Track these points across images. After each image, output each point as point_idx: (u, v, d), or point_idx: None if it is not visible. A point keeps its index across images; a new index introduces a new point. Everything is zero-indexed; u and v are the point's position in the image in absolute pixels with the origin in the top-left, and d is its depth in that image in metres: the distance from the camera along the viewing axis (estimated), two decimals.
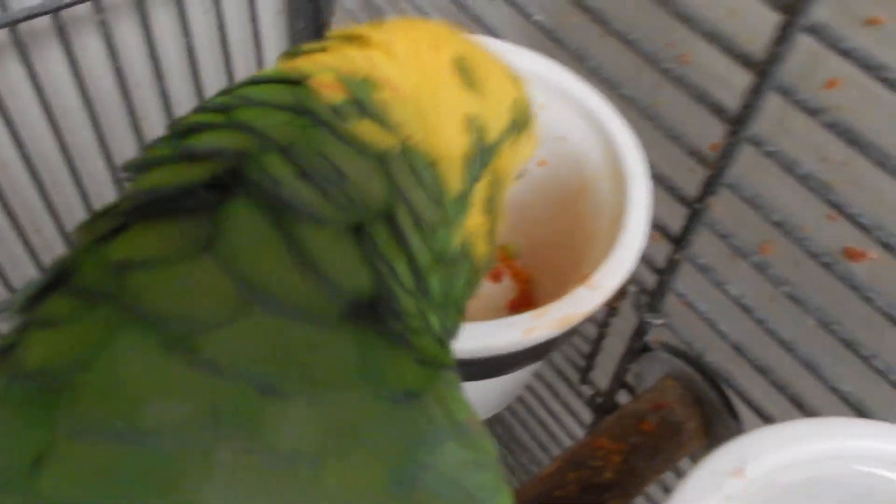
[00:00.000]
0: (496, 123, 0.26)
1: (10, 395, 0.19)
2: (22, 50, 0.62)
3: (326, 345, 0.20)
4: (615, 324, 0.59)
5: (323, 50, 0.24)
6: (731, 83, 0.50)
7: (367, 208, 0.22)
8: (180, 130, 0.22)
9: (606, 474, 0.49)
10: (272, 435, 0.19)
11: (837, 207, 0.35)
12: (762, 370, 0.46)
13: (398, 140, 0.23)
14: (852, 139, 0.32)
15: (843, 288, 0.39)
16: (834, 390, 0.41)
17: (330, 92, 0.22)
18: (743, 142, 0.36)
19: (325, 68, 0.23)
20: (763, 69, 0.33)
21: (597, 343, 0.61)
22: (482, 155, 0.25)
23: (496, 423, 0.86)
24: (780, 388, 0.45)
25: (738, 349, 0.46)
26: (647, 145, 0.48)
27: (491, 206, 0.27)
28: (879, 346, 0.41)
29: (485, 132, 0.25)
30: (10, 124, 0.64)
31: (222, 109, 0.22)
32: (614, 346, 0.60)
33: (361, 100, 0.23)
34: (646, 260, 0.50)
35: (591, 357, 0.62)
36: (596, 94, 0.45)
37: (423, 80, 0.24)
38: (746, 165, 0.54)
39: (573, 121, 0.46)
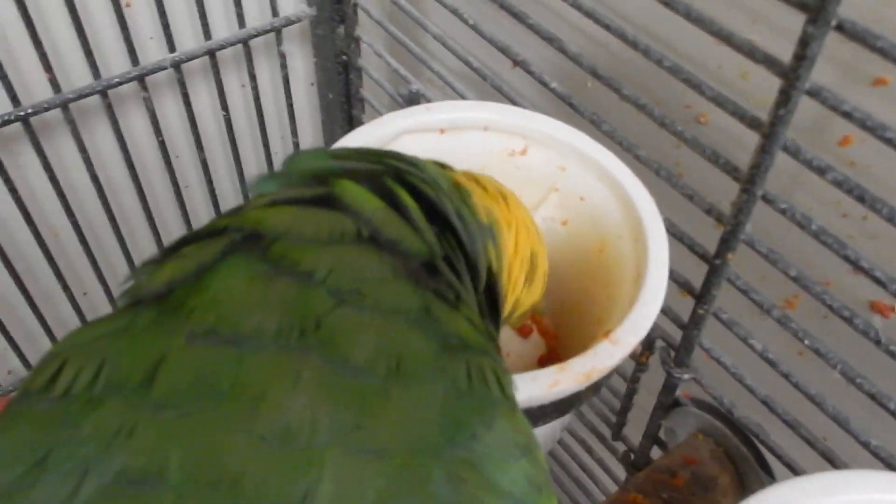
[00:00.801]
0: (521, 310, 0.36)
1: (137, 313, 0.21)
2: (73, 126, 0.66)
3: (398, 283, 0.23)
4: (647, 379, 0.59)
5: (476, 182, 0.33)
6: (747, 141, 0.51)
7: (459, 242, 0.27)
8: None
9: None
10: (347, 349, 0.20)
11: (851, 262, 0.35)
12: (791, 425, 0.46)
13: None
14: (860, 195, 0.34)
15: (869, 341, 0.40)
16: (864, 445, 0.41)
17: (480, 211, 0.30)
18: (755, 200, 0.38)
19: (477, 191, 0.31)
20: (769, 131, 0.34)
21: (628, 399, 0.61)
22: (502, 321, 0.32)
23: None
24: (810, 442, 0.45)
25: (767, 404, 0.47)
26: (669, 204, 0.49)
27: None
28: None
29: (514, 311, 0.35)
30: (62, 195, 0.68)
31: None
32: (647, 402, 0.60)
33: (495, 234, 0.30)
34: (671, 315, 0.51)
35: (622, 413, 0.63)
36: (612, 155, 0.46)
37: (514, 257, 0.33)
38: (770, 220, 0.55)
39: (591, 181, 0.47)
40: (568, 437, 0.75)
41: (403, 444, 0.20)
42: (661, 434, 0.59)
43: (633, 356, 0.57)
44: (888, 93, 0.43)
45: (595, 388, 0.42)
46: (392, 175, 0.27)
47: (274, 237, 0.22)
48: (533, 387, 0.37)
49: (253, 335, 0.20)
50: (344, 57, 0.75)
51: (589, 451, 0.73)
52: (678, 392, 0.54)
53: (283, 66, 0.77)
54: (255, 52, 0.77)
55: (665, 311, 0.51)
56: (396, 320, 0.22)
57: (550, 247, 0.53)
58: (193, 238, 0.23)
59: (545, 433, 0.49)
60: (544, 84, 0.50)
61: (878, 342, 0.37)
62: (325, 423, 0.19)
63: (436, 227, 0.27)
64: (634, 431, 0.63)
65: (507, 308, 0.33)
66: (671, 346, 0.51)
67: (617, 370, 0.62)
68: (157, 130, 0.71)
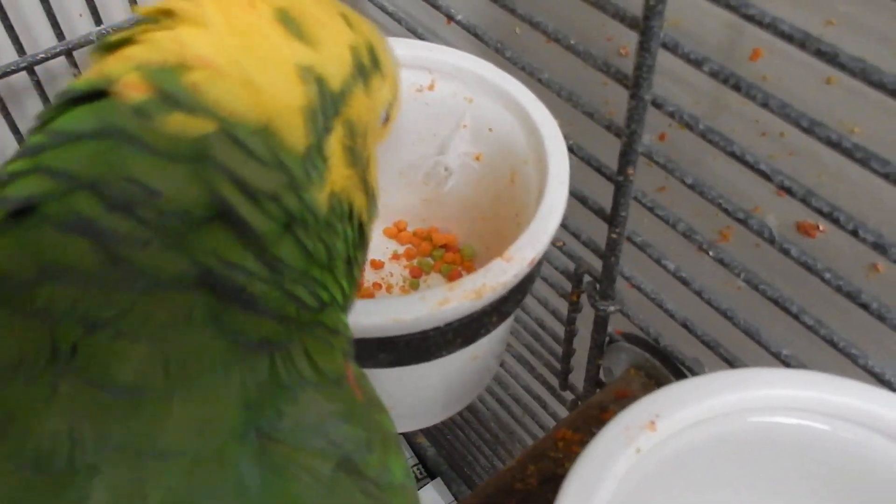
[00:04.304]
0: (337, 70, 0.25)
1: None
2: (2, 104, 0.65)
3: (167, 299, 0.21)
4: (586, 328, 0.58)
5: (132, 40, 0.23)
6: (668, 68, 0.50)
7: (189, 215, 0.21)
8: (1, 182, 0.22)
9: (568, 465, 0.48)
10: (110, 370, 0.19)
11: (737, 157, 0.34)
12: (710, 345, 0.45)
13: (215, 120, 0.22)
14: (736, 85, 0.33)
15: (773, 255, 0.39)
16: (775, 355, 0.40)
17: (135, 93, 0.22)
18: (645, 105, 0.37)
19: (132, 66, 0.22)
20: (644, 26, 0.34)
21: (568, 343, 0.60)
22: (327, 105, 0.24)
23: (493, 441, 0.85)
24: (730, 362, 0.44)
25: (686, 326, 0.46)
26: (577, 131, 0.49)
27: (355, 158, 0.26)
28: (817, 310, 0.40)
29: (325, 81, 0.24)
30: None
31: (34, 153, 0.22)
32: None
33: (169, 90, 0.22)
34: (593, 247, 0.50)
35: (565, 359, 0.62)
36: (516, 81, 0.46)
37: (241, 42, 0.23)
38: (691, 153, 0.54)
39: (498, 110, 0.46)
40: (523, 394, 0.75)
41: (194, 441, 0.19)
42: (602, 375, 0.58)
43: (565, 295, 0.56)
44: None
45: (499, 314, 0.41)
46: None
47: None
48: (421, 306, 0.36)
49: None
50: None
51: (544, 406, 0.72)
52: (610, 328, 0.53)
53: None
54: None
55: (587, 243, 0.50)
56: (173, 332, 0.20)
57: (468, 184, 0.52)
58: None
59: (462, 368, 0.48)
60: (451, 17, 0.49)
61: (772, 241, 0.36)
62: (90, 439, 0.18)
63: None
64: (581, 379, 0.63)
65: (292, 100, 0.24)
66: (596, 279, 0.50)
67: (554, 314, 0.61)
68: None
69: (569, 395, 0.66)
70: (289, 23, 0.24)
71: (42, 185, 0.21)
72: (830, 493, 0.32)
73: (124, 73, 0.22)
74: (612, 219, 0.44)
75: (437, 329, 0.38)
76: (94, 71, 0.23)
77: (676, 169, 0.39)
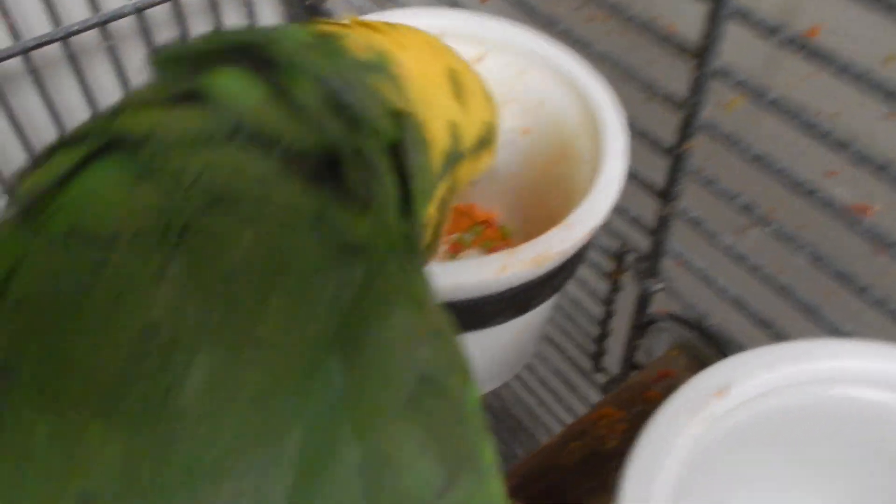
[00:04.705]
0: (469, 136, 0.30)
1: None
2: (36, 76, 0.65)
3: (285, 185, 0.21)
4: (624, 308, 0.58)
5: (345, 26, 0.28)
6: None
7: (373, 121, 0.24)
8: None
9: (611, 443, 0.48)
10: (218, 253, 0.19)
11: (812, 126, 0.34)
12: (764, 324, 0.44)
13: (408, 109, 0.26)
14: (812, 52, 0.32)
15: (836, 230, 0.39)
16: (835, 332, 0.40)
17: (358, 51, 0.26)
18: (709, 74, 0.36)
19: (352, 35, 0.26)
20: None
21: (605, 324, 0.60)
22: (452, 159, 0.29)
23: (514, 427, 0.85)
24: (783, 339, 0.44)
25: (739, 303, 0.45)
26: (628, 105, 0.48)
27: (443, 207, 0.29)
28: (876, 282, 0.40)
29: (460, 140, 0.29)
30: (28, 148, 0.67)
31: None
32: (625, 332, 0.59)
33: (383, 65, 0.26)
34: (640, 223, 0.50)
35: (600, 340, 0.61)
36: (569, 55, 0.45)
37: (424, 78, 0.28)
38: (740, 131, 0.54)
39: (549, 83, 0.46)
40: (551, 376, 0.74)
41: (287, 337, 0.19)
42: (639, 357, 0.58)
43: (604, 275, 0.56)
44: None
45: (552, 286, 0.41)
46: (262, 56, 0.24)
47: (138, 141, 0.21)
48: (479, 272, 0.35)
49: (113, 237, 0.19)
50: (307, 1, 0.74)
51: (573, 388, 0.71)
52: (652, 308, 0.53)
53: (250, 14, 0.76)
54: (222, 2, 0.77)
55: (636, 219, 0.50)
56: (280, 224, 0.21)
57: (514, 159, 0.51)
58: (62, 144, 0.22)
59: (504, 343, 0.48)
60: None
61: (841, 215, 0.35)
62: (193, 318, 0.18)
63: (344, 117, 0.24)
64: (615, 363, 0.62)
65: (439, 140, 0.28)
66: (641, 256, 0.50)
67: (593, 293, 0.60)
68: (124, 81, 0.70)
69: (600, 378, 0.66)
70: (455, 83, 0.30)
71: (262, 37, 0.24)
72: None
73: (346, 35, 0.26)
74: (667, 193, 0.43)
75: (491, 296, 0.37)
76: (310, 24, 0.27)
77: (740, 141, 0.39)
